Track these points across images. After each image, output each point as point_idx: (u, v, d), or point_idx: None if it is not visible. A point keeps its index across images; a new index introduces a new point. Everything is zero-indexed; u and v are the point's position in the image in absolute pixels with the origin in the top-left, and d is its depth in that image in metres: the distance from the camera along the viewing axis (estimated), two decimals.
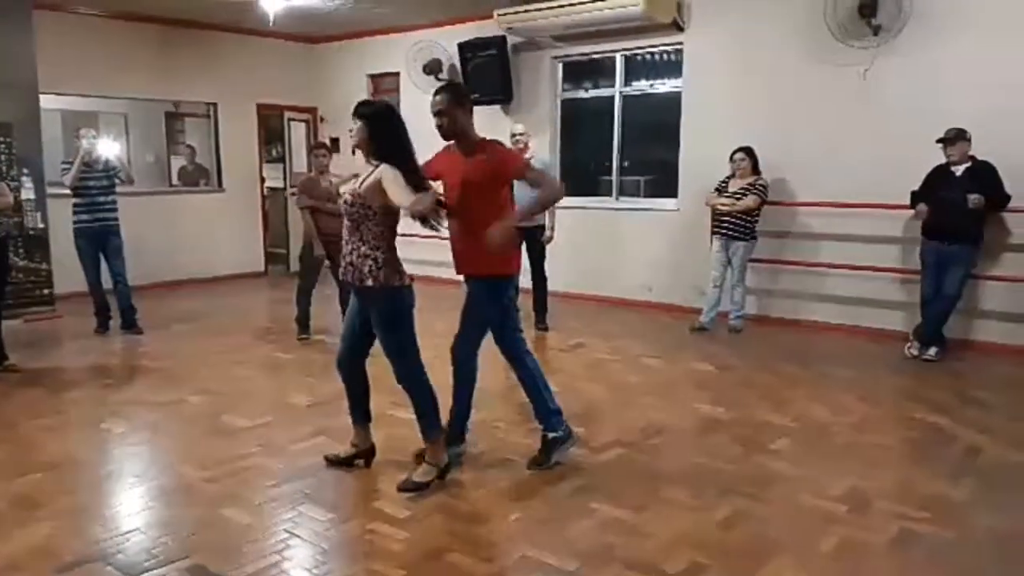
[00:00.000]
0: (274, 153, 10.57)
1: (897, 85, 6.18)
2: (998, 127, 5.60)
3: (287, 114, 10.21)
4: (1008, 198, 5.54)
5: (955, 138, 5.58)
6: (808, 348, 6.19)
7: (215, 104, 9.55)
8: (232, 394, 4.96)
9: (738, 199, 6.46)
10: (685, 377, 5.39)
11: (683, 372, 5.50)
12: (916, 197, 5.84)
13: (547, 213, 6.56)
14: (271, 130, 10.38)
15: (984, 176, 5.52)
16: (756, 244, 6.64)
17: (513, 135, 6.48)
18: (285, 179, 10.30)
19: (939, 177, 5.71)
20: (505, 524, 3.17)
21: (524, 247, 6.63)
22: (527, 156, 6.51)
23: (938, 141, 5.63)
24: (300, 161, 10.30)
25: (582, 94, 8.34)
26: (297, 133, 10.42)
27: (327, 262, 6.36)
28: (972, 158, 5.59)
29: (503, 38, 8.09)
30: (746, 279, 6.72)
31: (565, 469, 3.72)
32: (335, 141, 9.80)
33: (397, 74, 9.37)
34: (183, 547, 2.94)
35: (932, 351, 5.75)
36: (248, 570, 2.79)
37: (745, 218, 6.48)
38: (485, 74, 8.25)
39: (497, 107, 8.43)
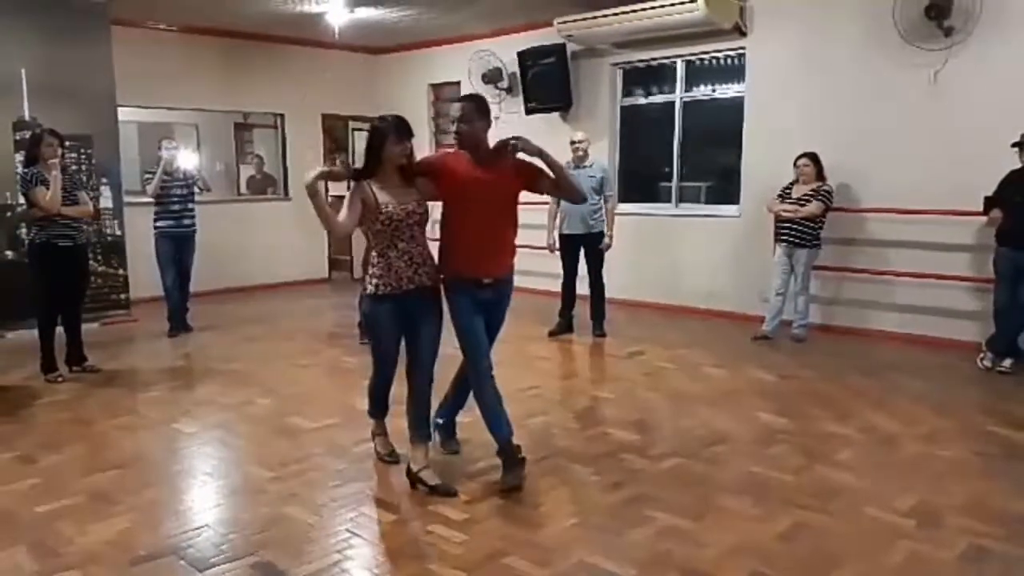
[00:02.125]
0: (338, 162, 10.80)
1: (969, 87, 5.99)
2: None
3: (351, 124, 10.42)
4: None
5: None
6: (874, 358, 6.03)
7: (282, 115, 9.83)
8: (298, 396, 5.09)
9: (801, 205, 6.35)
10: (746, 386, 5.31)
11: (744, 381, 5.42)
12: (990, 203, 5.64)
13: (605, 220, 6.57)
14: (336, 139, 10.62)
15: None
16: (820, 251, 6.50)
17: (573, 142, 6.50)
18: (348, 187, 10.50)
19: (1015, 182, 5.49)
20: (562, 529, 3.19)
21: (582, 253, 6.68)
22: (588, 164, 6.55)
23: (1013, 145, 5.43)
24: None
25: (642, 100, 8.30)
26: (360, 142, 10.62)
27: None
28: None
29: (563, 46, 8.12)
30: (810, 287, 6.59)
31: (623, 477, 3.71)
32: None
33: (458, 83, 9.49)
34: (250, 544, 3.05)
35: (1007, 363, 5.54)
36: (311, 568, 2.86)
37: (809, 224, 6.36)
38: (544, 82, 8.29)
39: (556, 115, 8.47)
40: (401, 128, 3.53)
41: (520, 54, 8.42)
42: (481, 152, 3.61)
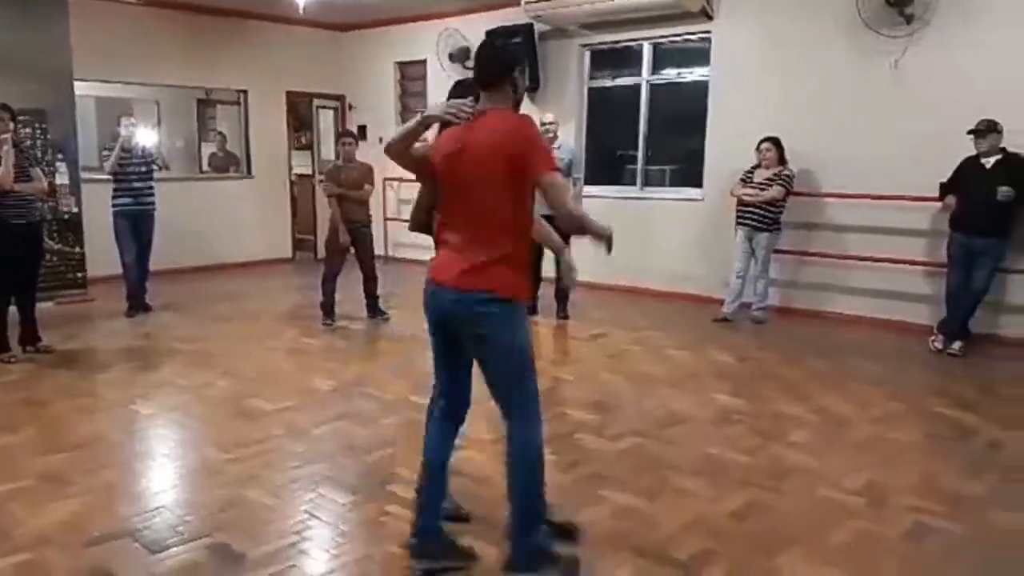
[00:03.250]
0: (303, 140, 10.69)
1: (928, 75, 6.08)
2: None
3: (316, 102, 10.29)
4: None
5: (986, 130, 5.48)
6: (831, 340, 6.15)
7: (245, 91, 9.66)
8: (257, 378, 5.06)
9: (763, 189, 6.42)
10: (706, 368, 5.39)
11: (704, 363, 5.50)
12: (945, 189, 5.76)
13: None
14: (300, 117, 10.49)
15: (1015, 169, 5.42)
16: (780, 235, 6.60)
17: (542, 124, 6.49)
18: (313, 166, 10.41)
19: (969, 169, 5.62)
20: None
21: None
22: (556, 145, 6.54)
23: (969, 132, 5.54)
24: (328, 148, 10.39)
25: (609, 83, 8.31)
26: (325, 120, 10.52)
27: (352, 249, 6.45)
28: (1003, 150, 5.49)
29: (530, 26, 8.08)
30: (770, 270, 6.69)
31: (579, 457, 3.76)
32: (362, 129, 9.90)
33: (424, 61, 9.41)
34: (206, 525, 3.03)
35: (957, 345, 5.68)
36: (268, 549, 2.86)
37: (770, 208, 6.43)
38: None
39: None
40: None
41: (488, 33, 8.33)
42: None
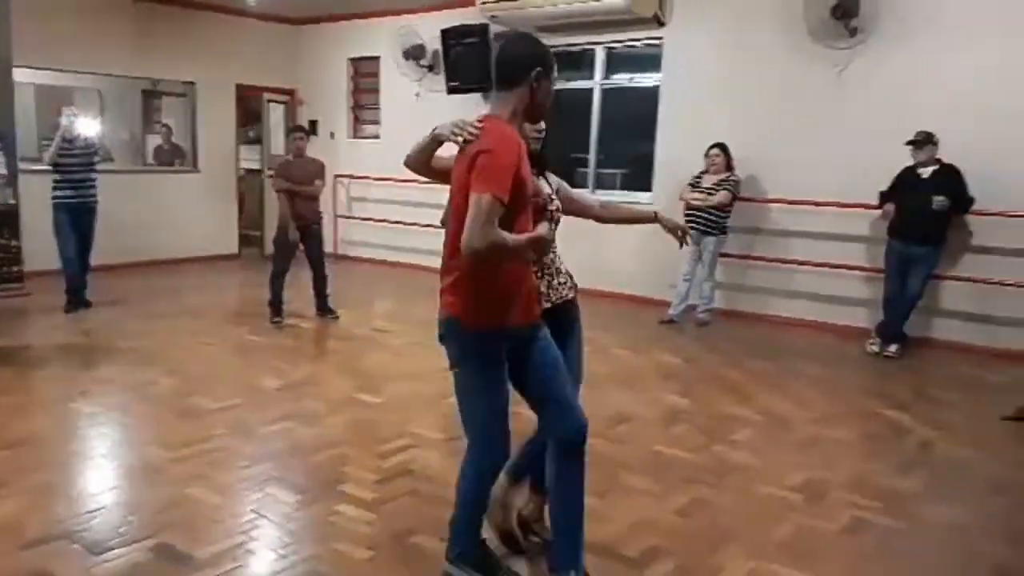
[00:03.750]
0: (251, 135, 10.51)
1: (870, 86, 6.29)
2: (965, 131, 5.72)
3: (266, 95, 10.14)
4: (972, 201, 5.68)
5: (923, 141, 5.69)
6: (774, 342, 6.31)
7: (193, 83, 9.46)
8: (202, 376, 4.96)
9: (711, 194, 6.55)
10: (652, 368, 5.48)
11: (650, 364, 5.59)
12: (884, 197, 5.97)
13: None
14: (249, 111, 10.32)
15: (950, 179, 5.65)
16: (727, 239, 6.74)
17: None
18: (262, 161, 10.25)
19: (907, 179, 5.83)
20: None
21: None
22: None
23: (907, 143, 5.75)
24: (278, 143, 10.23)
25: (562, 85, 8.36)
26: (275, 115, 10.35)
27: (301, 246, 6.38)
28: (939, 161, 5.71)
29: (486, 26, 8.09)
30: (716, 273, 6.83)
31: None
32: (313, 124, 9.79)
33: (378, 58, 9.35)
34: (149, 526, 2.97)
35: (893, 348, 5.89)
36: (215, 549, 2.82)
37: (717, 213, 6.57)
38: (467, 62, 8.23)
39: (478, 95, 8.44)
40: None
41: (443, 32, 8.35)
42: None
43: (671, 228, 2.95)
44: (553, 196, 2.81)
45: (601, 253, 7.87)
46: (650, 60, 7.68)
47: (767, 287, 7.02)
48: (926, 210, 5.61)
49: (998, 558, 2.94)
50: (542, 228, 2.34)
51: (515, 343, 2.44)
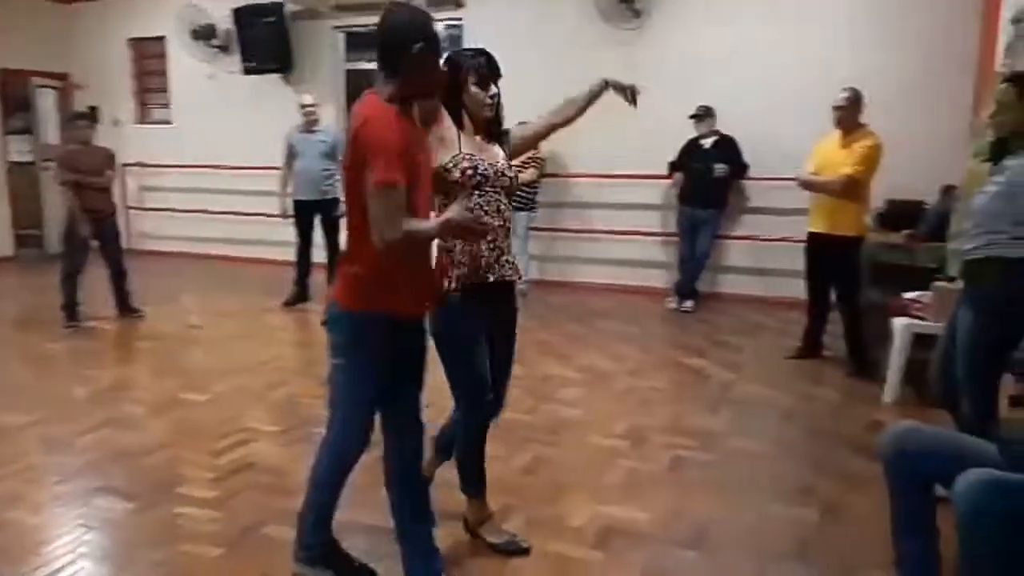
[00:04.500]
0: (19, 124, 9.41)
1: (656, 64, 6.77)
2: (740, 103, 6.38)
3: (34, 80, 9.12)
4: (747, 168, 6.38)
5: (704, 115, 6.30)
6: (586, 306, 6.73)
7: None
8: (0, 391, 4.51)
9: (519, 172, 6.83)
10: None
11: None
12: (672, 167, 6.54)
13: (340, 185, 6.53)
14: (15, 97, 9.22)
15: (728, 148, 6.31)
16: (536, 214, 7.07)
17: (303, 106, 6.37)
18: (34, 153, 9.23)
19: (691, 149, 6.44)
20: None
21: (317, 220, 6.59)
22: (319, 128, 6.45)
23: (690, 117, 6.34)
24: (51, 132, 9.28)
25: (368, 65, 8.28)
26: (46, 101, 9.35)
27: (94, 242, 5.90)
28: (718, 132, 6.35)
29: (281, 5, 7.83)
30: (528, 247, 7.15)
31: (380, 437, 3.82)
32: (93, 110, 8.96)
33: (163, 39, 8.74)
34: None
35: (688, 303, 6.51)
36: (44, 571, 2.64)
37: (526, 190, 6.86)
38: (263, 41, 7.94)
39: (277, 76, 8.16)
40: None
41: (236, 11, 7.96)
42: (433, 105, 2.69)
43: (622, 88, 2.92)
44: (503, 170, 2.65)
45: None
46: (454, 41, 7.79)
47: (575, 256, 7.45)
48: (708, 177, 6.23)
49: (798, 478, 3.41)
50: (452, 210, 2.22)
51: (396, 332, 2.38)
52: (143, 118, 9.35)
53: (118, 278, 6.12)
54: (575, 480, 3.31)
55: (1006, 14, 4.64)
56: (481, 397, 2.72)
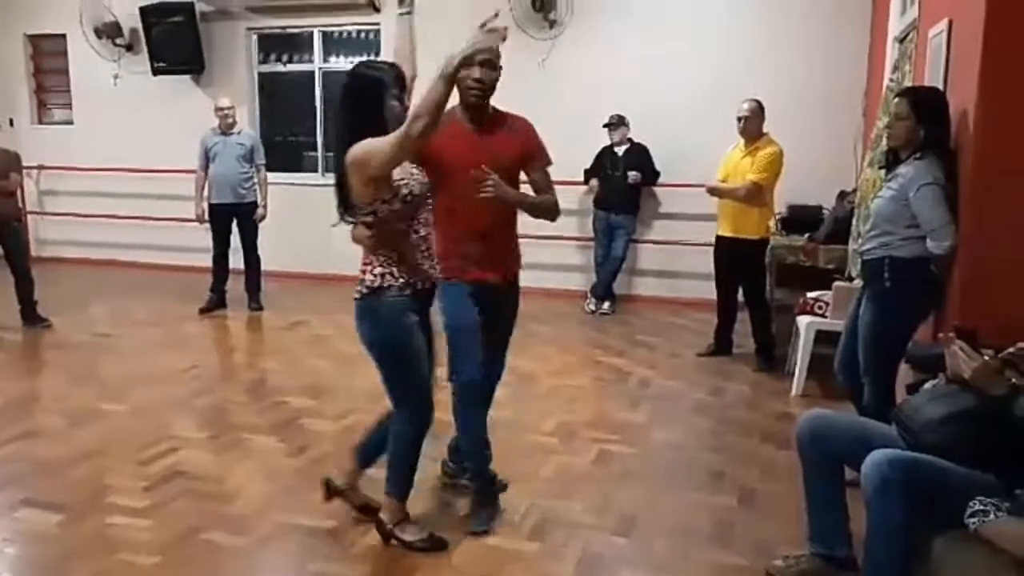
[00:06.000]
0: None
1: (570, 73, 7.01)
2: (651, 113, 6.65)
3: None
4: (658, 175, 6.68)
5: (617, 123, 6.56)
6: None
7: None
8: None
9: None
10: None
11: None
12: (588, 174, 6.77)
13: (259, 189, 6.47)
14: None
15: (640, 156, 6.58)
16: None
17: (220, 109, 6.28)
18: None
19: (605, 157, 6.68)
20: (255, 497, 3.26)
21: (234, 224, 6.49)
22: (236, 131, 6.37)
23: (604, 126, 6.58)
24: None
25: (280, 68, 8.20)
26: None
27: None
28: (630, 140, 6.61)
29: (191, 5, 7.65)
30: None
31: (307, 441, 3.87)
32: None
33: (64, 36, 8.38)
34: None
35: (606, 305, 6.75)
36: None
37: None
38: (173, 42, 7.73)
39: (187, 77, 7.97)
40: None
41: (142, 9, 7.72)
42: (487, 109, 3.01)
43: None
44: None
45: (327, 237, 7.90)
46: (370, 45, 7.83)
47: None
48: (622, 183, 6.49)
49: (716, 466, 3.64)
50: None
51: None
52: (42, 118, 8.93)
53: (24, 286, 5.87)
54: (511, 477, 3.41)
55: (893, 32, 5.07)
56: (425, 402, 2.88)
